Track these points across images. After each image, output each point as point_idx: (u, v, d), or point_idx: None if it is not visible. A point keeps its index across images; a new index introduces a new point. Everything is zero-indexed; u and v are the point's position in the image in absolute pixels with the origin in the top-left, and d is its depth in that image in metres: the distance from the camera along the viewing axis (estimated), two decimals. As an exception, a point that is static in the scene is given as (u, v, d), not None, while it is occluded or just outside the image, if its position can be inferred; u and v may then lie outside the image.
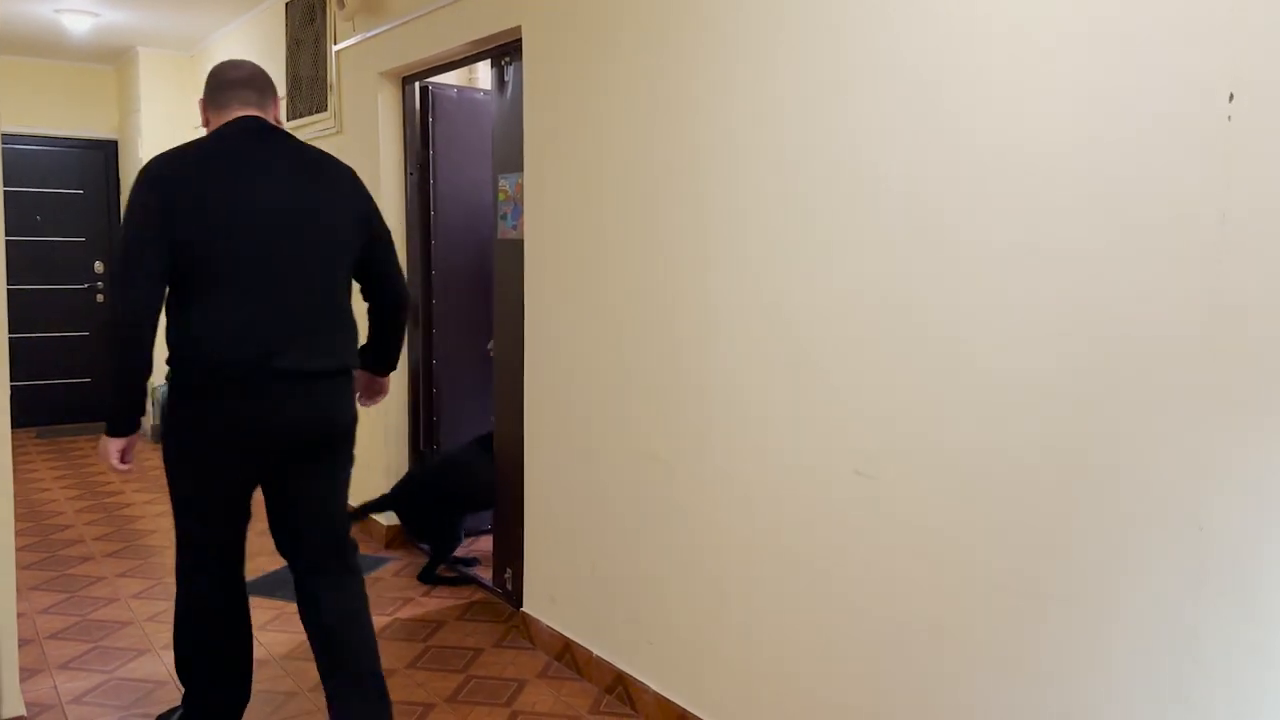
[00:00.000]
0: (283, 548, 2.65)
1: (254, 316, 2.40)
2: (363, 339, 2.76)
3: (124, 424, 2.46)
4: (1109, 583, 1.78)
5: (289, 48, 5.42)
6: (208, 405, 2.42)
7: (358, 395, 2.84)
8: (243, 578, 2.68)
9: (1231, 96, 1.58)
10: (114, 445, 2.46)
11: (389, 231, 2.72)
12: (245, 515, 2.61)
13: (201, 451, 2.47)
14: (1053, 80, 1.83)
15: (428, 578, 4.18)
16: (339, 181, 2.61)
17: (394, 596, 3.97)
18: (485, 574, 4.13)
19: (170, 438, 2.52)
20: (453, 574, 4.23)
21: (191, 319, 2.41)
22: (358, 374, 2.78)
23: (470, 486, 4.16)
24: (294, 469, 2.54)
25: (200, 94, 2.67)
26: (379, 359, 2.85)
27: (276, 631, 3.62)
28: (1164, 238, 1.68)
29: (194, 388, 2.43)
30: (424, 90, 4.47)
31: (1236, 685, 1.62)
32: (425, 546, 4.41)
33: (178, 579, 2.64)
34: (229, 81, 2.58)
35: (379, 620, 3.73)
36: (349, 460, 2.66)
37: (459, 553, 4.32)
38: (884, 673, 2.23)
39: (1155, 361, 1.70)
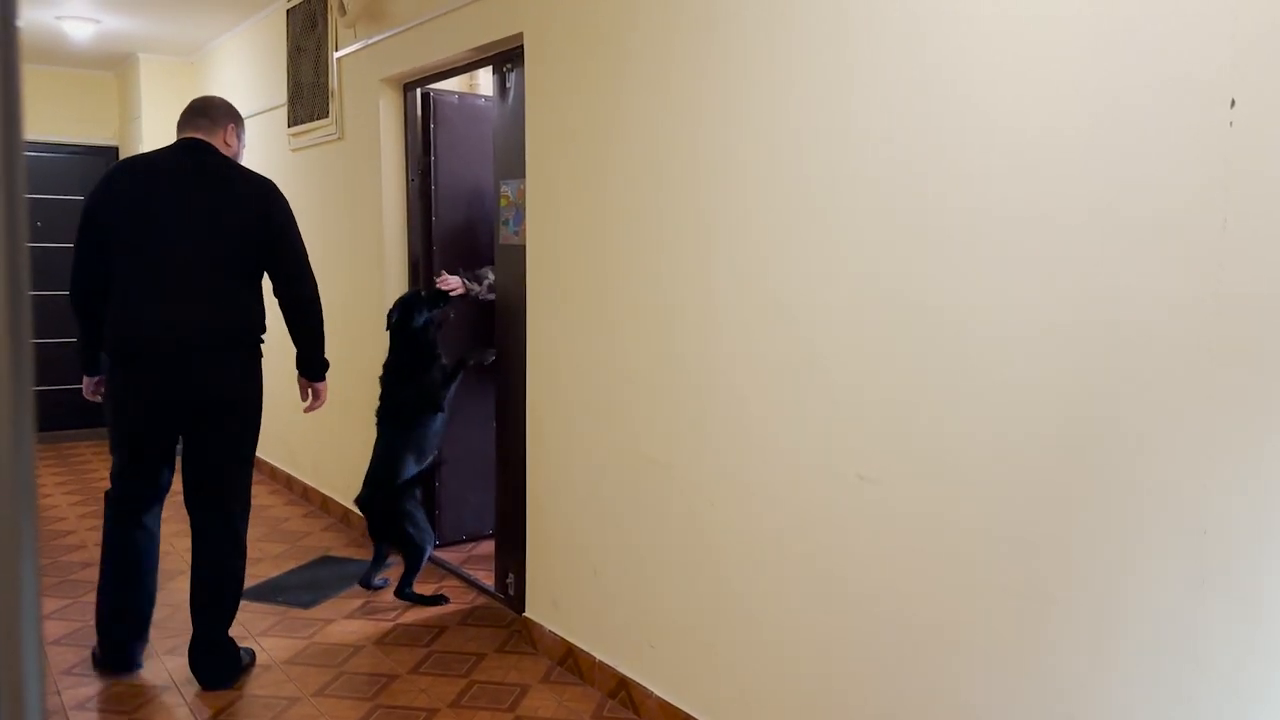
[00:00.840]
0: (184, 487, 3.26)
1: (147, 300, 3.04)
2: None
3: (86, 365, 3.29)
4: (1113, 585, 1.79)
5: (290, 54, 5.43)
6: (118, 373, 3.12)
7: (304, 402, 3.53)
8: (153, 521, 3.31)
9: (1233, 103, 1.59)
10: (85, 381, 3.32)
11: (290, 239, 3.23)
12: (159, 468, 3.23)
13: (118, 405, 3.16)
14: (1056, 86, 1.84)
15: (403, 594, 3.92)
16: (244, 194, 3.18)
17: (395, 602, 3.97)
18: (488, 579, 4.13)
19: (105, 392, 3.27)
20: (429, 594, 3.97)
21: (110, 304, 3.08)
22: (300, 381, 3.46)
23: (403, 466, 3.97)
24: (192, 428, 3.18)
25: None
26: (298, 359, 3.41)
27: (278, 637, 3.63)
28: (1166, 242, 1.69)
29: (112, 359, 3.12)
30: (425, 96, 4.48)
31: (1239, 686, 1.62)
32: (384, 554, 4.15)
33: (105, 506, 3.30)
34: (190, 110, 3.28)
35: (382, 626, 3.73)
36: (240, 428, 3.23)
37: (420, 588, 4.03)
38: (887, 675, 2.23)
39: (1159, 365, 1.71)
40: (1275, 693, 1.58)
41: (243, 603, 3.92)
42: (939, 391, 2.08)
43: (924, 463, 2.12)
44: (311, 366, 3.41)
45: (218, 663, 3.24)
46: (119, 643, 3.29)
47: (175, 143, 3.22)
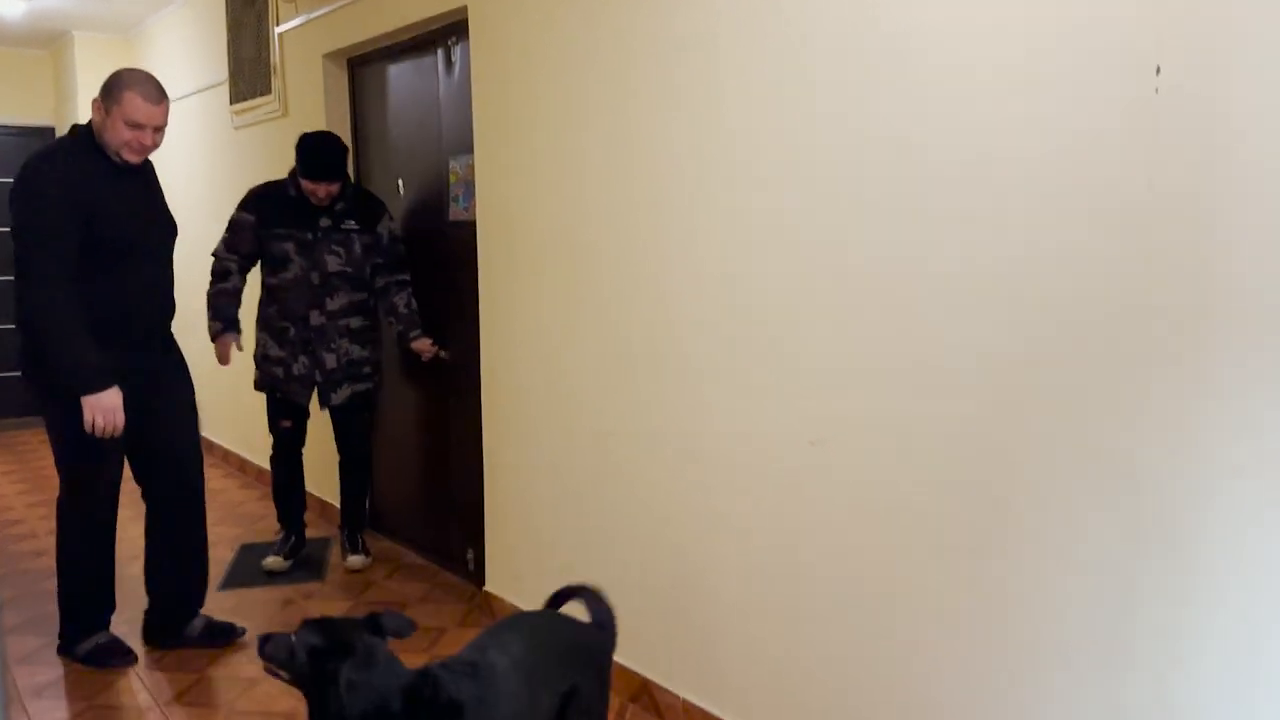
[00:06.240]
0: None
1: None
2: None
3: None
4: (1054, 539, 1.86)
5: (230, 29, 5.33)
6: None
7: None
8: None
9: (1159, 70, 1.64)
10: None
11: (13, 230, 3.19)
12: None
13: None
14: (988, 49, 1.88)
15: None
16: None
17: (362, 579, 3.97)
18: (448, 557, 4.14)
19: None
20: None
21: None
22: None
23: None
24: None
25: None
26: None
27: (242, 618, 3.62)
28: (1095, 204, 1.74)
29: None
30: (370, 72, 4.43)
31: (1174, 630, 1.70)
32: None
33: None
34: None
35: (345, 605, 3.74)
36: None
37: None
38: (842, 640, 2.29)
39: (1085, 322, 1.76)
40: (1207, 633, 1.66)
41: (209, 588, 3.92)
42: (885, 359, 2.13)
43: (871, 429, 2.17)
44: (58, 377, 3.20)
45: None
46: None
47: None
